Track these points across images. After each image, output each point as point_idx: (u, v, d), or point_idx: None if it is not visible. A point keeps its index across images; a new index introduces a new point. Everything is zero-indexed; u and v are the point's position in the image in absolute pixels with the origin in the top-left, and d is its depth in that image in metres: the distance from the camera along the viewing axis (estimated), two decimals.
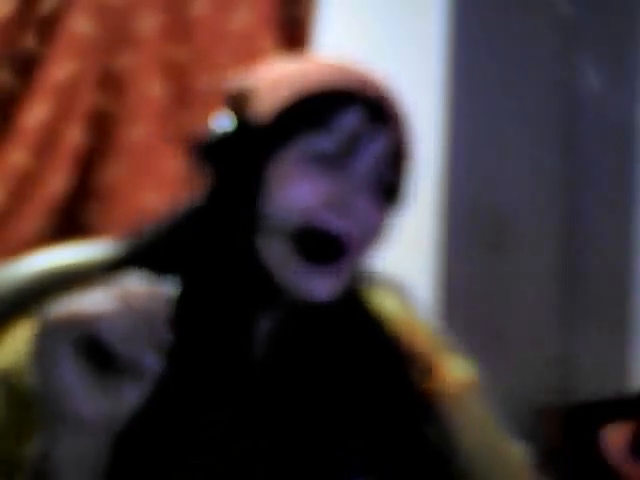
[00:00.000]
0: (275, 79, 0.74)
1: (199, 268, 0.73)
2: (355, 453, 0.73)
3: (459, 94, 1.84)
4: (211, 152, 0.74)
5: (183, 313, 0.63)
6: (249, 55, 1.65)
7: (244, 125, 0.72)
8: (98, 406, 0.57)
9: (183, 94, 1.66)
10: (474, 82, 1.88)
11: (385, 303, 0.85)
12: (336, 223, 0.71)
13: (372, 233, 0.74)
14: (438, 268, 1.81)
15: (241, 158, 0.72)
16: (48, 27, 1.63)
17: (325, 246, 0.71)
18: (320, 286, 0.72)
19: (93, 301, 0.58)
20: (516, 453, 0.85)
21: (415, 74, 1.82)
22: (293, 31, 1.71)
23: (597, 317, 2.09)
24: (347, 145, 0.71)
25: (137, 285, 0.59)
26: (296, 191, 0.70)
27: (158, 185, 1.61)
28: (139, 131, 1.64)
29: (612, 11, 2.15)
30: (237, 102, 0.74)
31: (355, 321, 0.79)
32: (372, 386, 0.76)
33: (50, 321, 0.57)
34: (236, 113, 0.73)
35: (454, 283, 1.82)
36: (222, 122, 0.74)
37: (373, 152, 0.73)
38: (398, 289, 0.90)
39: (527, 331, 1.96)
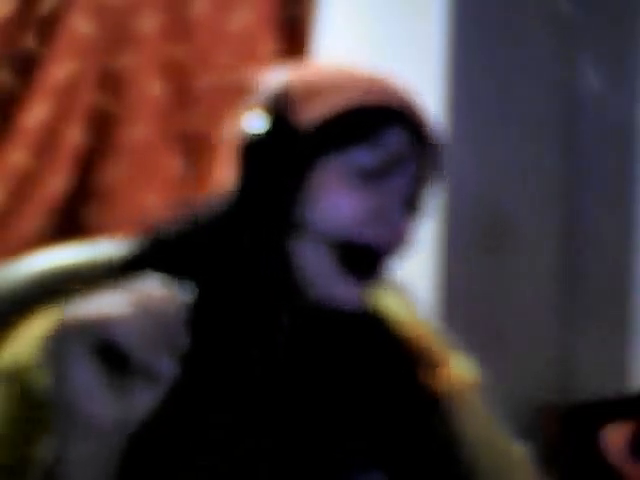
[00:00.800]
0: (322, 84, 0.73)
1: (222, 271, 0.73)
2: (361, 450, 0.73)
3: (459, 94, 1.84)
4: (248, 153, 0.73)
5: (201, 317, 0.62)
6: (249, 55, 1.65)
7: (287, 128, 0.72)
8: (111, 410, 0.57)
9: (183, 94, 1.66)
10: (474, 82, 1.88)
11: (389, 303, 0.85)
12: (374, 238, 0.73)
13: (402, 245, 0.76)
14: (438, 268, 1.81)
15: (282, 162, 0.72)
16: (48, 27, 1.63)
17: (366, 259, 0.73)
18: (353, 295, 0.74)
19: (110, 304, 0.57)
20: (518, 452, 0.85)
21: (415, 74, 1.82)
22: (293, 31, 1.71)
23: (597, 317, 2.09)
24: (390, 163, 0.73)
25: (154, 288, 0.59)
26: (339, 203, 0.72)
27: (158, 185, 1.61)
28: (139, 131, 1.64)
29: (612, 11, 2.15)
30: (277, 103, 0.73)
31: (364, 321, 0.79)
32: (378, 384, 0.77)
33: (66, 323, 0.57)
34: (277, 115, 0.72)
35: (454, 283, 1.82)
36: (261, 123, 0.72)
37: (410, 172, 0.75)
38: (400, 289, 0.90)
39: (527, 331, 1.96)
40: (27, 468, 0.64)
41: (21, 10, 1.62)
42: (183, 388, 0.61)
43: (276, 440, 0.71)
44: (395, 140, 0.73)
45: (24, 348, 0.70)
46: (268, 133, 0.72)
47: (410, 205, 0.76)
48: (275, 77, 0.76)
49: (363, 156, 0.72)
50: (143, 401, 0.58)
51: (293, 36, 1.70)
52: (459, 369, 0.84)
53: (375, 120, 0.72)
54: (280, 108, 0.72)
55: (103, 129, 1.64)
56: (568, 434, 1.89)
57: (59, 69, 1.62)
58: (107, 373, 0.57)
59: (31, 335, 0.71)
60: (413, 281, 0.93)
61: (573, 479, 1.84)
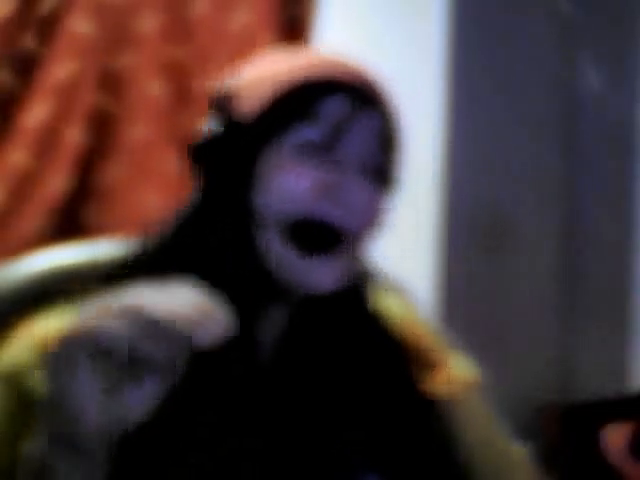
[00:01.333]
0: (258, 76, 0.75)
1: (199, 269, 0.73)
2: (358, 451, 0.73)
3: (459, 94, 1.84)
4: (202, 153, 0.75)
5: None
6: (249, 55, 1.65)
7: (232, 124, 0.73)
8: (109, 423, 0.57)
9: (183, 94, 1.66)
10: (474, 82, 1.88)
11: (387, 303, 0.85)
12: (330, 212, 0.71)
13: (368, 219, 0.73)
14: (438, 268, 1.81)
15: (231, 157, 0.72)
16: (48, 27, 1.63)
17: (320, 236, 0.71)
18: (320, 276, 0.72)
19: (109, 309, 0.58)
20: (517, 452, 0.85)
21: (415, 74, 1.82)
22: (293, 31, 1.71)
23: (597, 317, 2.09)
24: (334, 132, 0.71)
25: (155, 290, 0.59)
26: (287, 183, 0.71)
27: (158, 185, 1.61)
28: (139, 131, 1.64)
29: (612, 11, 2.15)
30: (223, 102, 0.75)
31: (359, 321, 0.79)
32: (375, 384, 0.77)
33: (70, 334, 0.57)
34: (223, 113, 0.74)
35: (454, 283, 1.82)
36: (211, 122, 0.75)
37: (361, 137, 0.73)
38: (400, 289, 0.90)
39: (527, 331, 1.96)
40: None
41: (21, 10, 1.62)
42: (176, 387, 0.62)
43: (276, 439, 0.70)
44: (334, 108, 0.72)
45: (23, 349, 0.70)
46: (216, 132, 0.74)
47: (376, 178, 0.74)
48: (225, 78, 0.78)
49: (307, 132, 0.71)
50: (141, 402, 0.58)
51: (293, 36, 1.70)
52: (459, 369, 0.84)
53: (311, 95, 0.72)
54: (225, 106, 0.74)
55: (103, 129, 1.64)
56: (568, 434, 1.89)
57: (59, 69, 1.62)
58: (107, 380, 0.57)
59: (30, 336, 0.71)
60: (413, 281, 0.93)
61: (573, 479, 1.84)
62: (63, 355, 0.57)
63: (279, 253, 0.71)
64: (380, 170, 0.75)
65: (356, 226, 0.73)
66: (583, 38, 2.08)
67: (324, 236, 0.71)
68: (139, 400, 0.58)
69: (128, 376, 0.57)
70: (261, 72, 0.75)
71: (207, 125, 0.75)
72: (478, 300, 1.87)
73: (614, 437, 1.81)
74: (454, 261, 1.83)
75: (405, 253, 1.72)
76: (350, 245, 0.73)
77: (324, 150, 0.72)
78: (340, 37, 1.75)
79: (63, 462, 0.59)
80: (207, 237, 0.73)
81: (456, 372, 0.84)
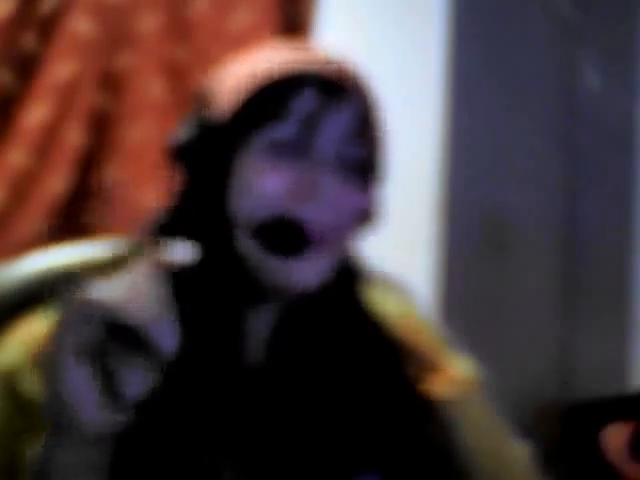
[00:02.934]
0: (229, 76, 0.75)
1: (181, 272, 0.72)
2: (356, 452, 0.73)
3: (459, 94, 1.84)
4: (179, 155, 0.75)
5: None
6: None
7: (205, 125, 0.73)
8: (104, 416, 0.58)
9: (183, 94, 1.66)
10: (474, 82, 1.88)
11: (386, 303, 0.85)
12: (302, 211, 0.69)
13: (347, 214, 0.72)
14: (438, 268, 1.81)
15: (206, 158, 0.72)
16: (48, 27, 1.63)
17: (292, 236, 0.69)
18: (297, 276, 0.70)
19: (113, 286, 0.59)
20: (518, 453, 0.85)
21: (415, 74, 1.82)
22: (293, 31, 1.71)
23: (597, 317, 2.09)
24: (305, 128, 0.70)
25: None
26: (259, 184, 0.70)
27: (158, 185, 1.61)
28: (139, 131, 1.64)
29: (612, 11, 2.15)
30: (199, 103, 0.75)
31: (349, 319, 0.78)
32: (372, 386, 0.76)
33: (69, 312, 0.58)
34: (199, 114, 0.74)
35: (454, 283, 1.82)
36: (186, 125, 0.75)
37: (335, 131, 0.71)
38: (399, 289, 0.90)
39: (527, 331, 1.96)
40: (17, 469, 0.65)
41: (21, 10, 1.62)
42: (163, 386, 0.62)
43: (269, 441, 0.70)
44: (304, 103, 0.70)
45: (18, 349, 0.70)
46: (192, 133, 0.73)
47: (357, 172, 0.72)
48: (205, 81, 0.78)
49: (278, 130, 0.70)
50: (137, 387, 0.59)
51: (293, 36, 1.70)
52: (459, 369, 0.84)
53: (280, 92, 0.70)
54: (200, 108, 0.74)
55: (103, 129, 1.64)
56: (568, 434, 1.89)
57: (59, 69, 1.62)
58: (101, 370, 0.58)
59: (26, 336, 0.71)
60: (413, 281, 0.93)
61: (573, 479, 1.84)
62: (52, 354, 0.58)
63: (255, 255, 0.70)
64: (360, 163, 0.73)
65: (333, 222, 0.71)
66: (583, 38, 2.08)
67: (296, 236, 0.70)
68: (133, 388, 0.58)
69: (117, 365, 0.58)
70: (232, 72, 0.75)
71: (184, 126, 0.75)
72: (478, 300, 1.87)
73: (614, 437, 1.81)
74: (454, 261, 1.83)
75: (405, 253, 1.72)
76: (330, 242, 0.71)
77: (297, 147, 0.70)
78: (340, 38, 1.75)
79: (63, 456, 0.59)
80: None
81: (456, 372, 0.84)
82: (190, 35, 1.69)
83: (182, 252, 0.62)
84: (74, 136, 1.62)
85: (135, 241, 0.76)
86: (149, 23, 1.67)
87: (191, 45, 1.68)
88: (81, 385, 0.57)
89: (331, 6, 1.77)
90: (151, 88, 1.66)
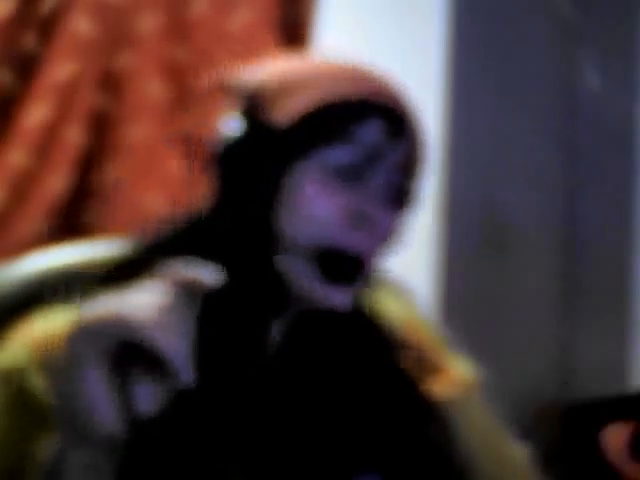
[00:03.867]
0: (293, 81, 0.70)
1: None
2: (357, 453, 0.73)
3: (459, 94, 1.84)
4: (223, 157, 0.70)
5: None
6: (249, 55, 1.65)
7: (260, 129, 0.69)
8: (117, 419, 0.57)
9: (183, 94, 1.66)
10: (474, 82, 1.88)
11: (387, 304, 0.85)
12: (356, 241, 0.69)
13: (385, 241, 0.73)
14: (438, 268, 1.81)
15: (257, 165, 0.68)
16: (48, 27, 1.63)
17: (345, 267, 0.69)
18: (339, 301, 0.71)
19: (131, 301, 0.56)
20: (518, 453, 0.85)
21: (415, 74, 1.82)
22: (293, 31, 1.71)
23: (597, 317, 2.09)
24: (367, 158, 0.69)
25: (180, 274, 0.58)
26: (316, 208, 0.68)
27: (158, 185, 1.61)
28: (139, 131, 1.64)
29: (612, 11, 2.15)
30: (250, 103, 0.70)
31: (356, 322, 0.79)
32: (373, 386, 0.76)
33: (86, 323, 0.56)
34: (250, 115, 0.70)
35: (454, 283, 1.82)
36: (235, 124, 0.70)
37: (391, 165, 0.71)
38: (400, 289, 0.90)
39: (527, 331, 1.96)
40: (24, 470, 0.64)
41: (21, 10, 1.62)
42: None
43: (269, 439, 0.70)
44: (371, 134, 0.69)
45: (21, 349, 0.70)
46: (242, 136, 0.69)
47: (396, 199, 0.72)
48: (250, 76, 0.73)
49: (338, 154, 0.68)
50: (150, 404, 0.58)
51: (293, 36, 1.70)
52: (459, 370, 0.84)
53: (348, 115, 0.69)
54: (254, 108, 0.70)
55: (103, 129, 1.64)
56: (568, 434, 1.89)
57: (59, 69, 1.62)
58: (118, 376, 0.57)
59: (28, 336, 0.71)
60: (413, 281, 0.93)
61: (573, 479, 1.84)
62: (69, 359, 0.57)
63: (301, 277, 0.69)
64: (402, 194, 0.73)
65: (376, 250, 0.72)
66: (583, 38, 2.08)
67: (350, 266, 0.70)
68: (148, 397, 0.57)
69: (135, 374, 0.57)
70: (297, 78, 0.71)
71: (229, 125, 0.71)
72: (478, 300, 1.87)
73: (614, 437, 1.81)
74: (454, 261, 1.83)
75: (405, 253, 1.72)
76: (368, 268, 0.72)
77: (355, 174, 0.69)
78: (340, 38, 1.75)
79: (73, 459, 0.58)
80: (222, 249, 0.70)
81: (456, 373, 0.84)
82: (190, 35, 1.69)
83: (211, 274, 0.58)
84: (74, 136, 1.62)
85: (147, 245, 0.75)
86: (149, 23, 1.67)
87: (191, 45, 1.68)
88: (99, 394, 0.56)
89: (331, 6, 1.77)
90: (151, 88, 1.66)
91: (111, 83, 1.65)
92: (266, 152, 0.68)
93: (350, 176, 0.69)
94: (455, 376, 0.83)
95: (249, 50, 1.66)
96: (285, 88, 0.70)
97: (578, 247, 2.07)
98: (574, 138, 2.07)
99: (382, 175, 0.71)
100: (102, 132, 1.64)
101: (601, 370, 2.06)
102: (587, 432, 1.85)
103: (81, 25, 1.64)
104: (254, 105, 0.70)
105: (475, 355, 0.87)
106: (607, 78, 2.11)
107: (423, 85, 1.82)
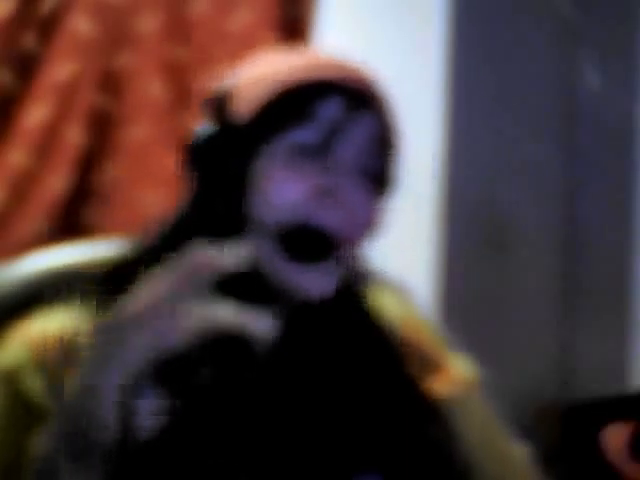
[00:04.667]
0: (253, 77, 0.74)
1: None
2: (357, 453, 0.73)
3: (459, 94, 1.84)
4: (196, 154, 0.73)
5: None
6: (249, 55, 1.65)
7: (226, 125, 0.72)
8: (122, 428, 0.57)
9: (183, 94, 1.66)
10: (474, 82, 1.88)
11: (387, 303, 0.85)
12: (323, 218, 0.69)
13: (363, 223, 0.72)
14: (438, 268, 1.81)
15: (225, 159, 0.71)
16: (48, 27, 1.63)
17: (313, 243, 0.70)
18: (313, 284, 0.71)
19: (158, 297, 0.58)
20: (518, 453, 0.85)
21: (415, 74, 1.82)
22: (293, 31, 1.71)
23: (597, 317, 2.09)
24: (328, 134, 0.70)
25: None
26: (281, 187, 0.69)
27: (158, 185, 1.61)
28: (139, 131, 1.64)
29: (612, 11, 2.15)
30: (218, 103, 0.74)
31: (355, 320, 0.79)
32: (373, 386, 0.76)
33: (113, 324, 0.58)
34: (218, 114, 0.73)
35: (454, 283, 1.82)
36: (205, 124, 0.74)
37: (356, 140, 0.72)
38: (399, 289, 0.90)
39: (527, 331, 1.96)
40: (20, 469, 0.65)
41: (21, 10, 1.62)
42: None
43: (267, 439, 0.70)
44: (330, 110, 0.70)
45: (20, 349, 0.70)
46: (211, 134, 0.72)
47: (372, 181, 0.73)
48: (221, 79, 0.77)
49: (301, 134, 0.70)
50: (152, 420, 0.58)
51: (293, 36, 1.70)
52: (459, 369, 0.84)
53: (306, 97, 0.70)
54: (220, 107, 0.73)
55: (103, 129, 1.64)
56: (568, 434, 1.89)
57: (59, 69, 1.62)
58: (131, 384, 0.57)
59: (28, 336, 0.71)
60: (413, 281, 0.93)
61: (573, 479, 1.84)
62: (89, 367, 0.57)
63: (271, 259, 0.70)
64: (377, 172, 0.73)
65: (351, 230, 0.71)
66: (583, 38, 2.08)
67: (318, 243, 0.70)
68: (153, 411, 0.58)
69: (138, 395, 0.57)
70: (256, 73, 0.74)
71: (201, 126, 0.74)
72: (478, 300, 1.87)
73: (614, 437, 1.81)
74: (454, 260, 1.83)
75: (405, 253, 1.72)
76: (344, 250, 0.72)
77: (319, 153, 0.70)
78: (340, 38, 1.75)
79: (69, 463, 0.58)
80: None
81: (456, 372, 0.84)
82: (190, 35, 1.69)
83: (233, 254, 0.59)
84: (74, 136, 1.62)
85: (142, 243, 0.76)
86: (149, 23, 1.67)
87: (191, 45, 1.69)
88: (111, 386, 0.57)
89: (331, 6, 1.77)
90: (151, 88, 1.66)
91: (111, 83, 1.65)
92: (231, 145, 0.71)
93: (314, 154, 0.70)
94: (455, 375, 0.83)
95: (249, 50, 1.66)
96: (244, 83, 0.73)
97: (578, 247, 2.07)
98: (574, 138, 2.07)
99: (349, 154, 0.71)
100: (102, 132, 1.64)
101: (601, 370, 2.06)
102: (587, 432, 1.85)
103: (81, 25, 1.64)
104: (221, 103, 0.74)
105: (475, 355, 0.87)
106: (607, 78, 2.11)
107: (423, 85, 1.82)
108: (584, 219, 2.08)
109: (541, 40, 2.02)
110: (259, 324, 0.58)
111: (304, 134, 0.70)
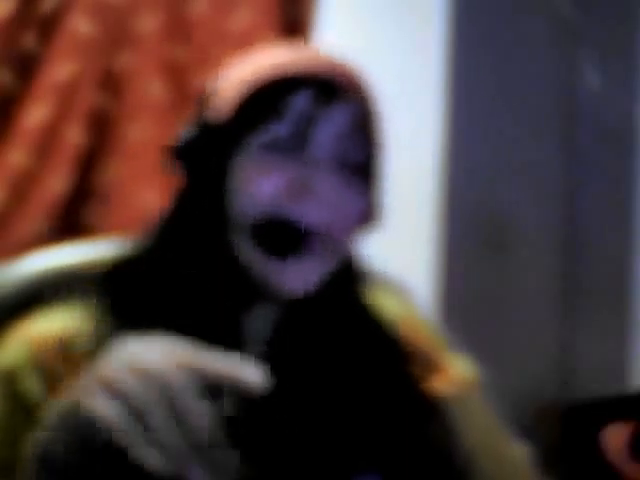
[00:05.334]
0: (229, 78, 0.75)
1: (180, 273, 0.72)
2: (357, 453, 0.73)
3: (459, 94, 1.84)
4: (180, 156, 0.75)
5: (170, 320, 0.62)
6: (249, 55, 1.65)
7: (204, 126, 0.73)
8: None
9: (183, 94, 1.66)
10: (474, 82, 1.88)
11: (386, 303, 0.85)
12: (296, 211, 0.69)
13: (343, 214, 0.72)
14: (438, 268, 1.81)
15: (205, 158, 0.73)
16: (48, 27, 1.63)
17: (287, 237, 0.70)
18: (292, 278, 0.70)
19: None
20: (518, 453, 0.85)
21: (415, 74, 1.82)
22: (293, 31, 1.71)
23: (597, 317, 2.09)
24: (301, 127, 0.71)
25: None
26: (256, 183, 0.70)
27: (158, 185, 1.61)
28: (139, 131, 1.64)
29: (612, 11, 2.15)
30: (201, 105, 0.76)
31: (355, 322, 0.78)
32: (373, 386, 0.76)
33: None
34: (200, 116, 0.75)
35: (454, 283, 1.82)
36: (188, 127, 0.76)
37: (331, 131, 0.71)
38: (399, 289, 0.90)
39: (527, 331, 1.96)
40: (19, 469, 0.64)
41: (21, 10, 1.62)
42: None
43: (263, 439, 0.70)
44: (300, 103, 0.71)
45: (19, 350, 0.70)
46: (192, 134, 0.74)
47: (352, 171, 0.72)
48: (210, 81, 0.78)
49: (274, 130, 0.71)
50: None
51: (293, 36, 1.70)
52: (459, 369, 0.84)
53: (277, 92, 0.71)
54: (201, 110, 0.75)
55: (103, 129, 1.64)
56: (568, 434, 1.89)
57: (59, 69, 1.62)
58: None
59: (27, 336, 0.71)
60: (413, 281, 0.93)
61: (573, 479, 1.84)
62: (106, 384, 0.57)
63: (250, 256, 0.70)
64: (358, 162, 0.73)
65: (329, 222, 0.71)
66: (583, 38, 2.08)
67: (291, 236, 0.70)
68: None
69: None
70: (233, 74, 0.75)
71: (186, 127, 0.76)
72: (478, 300, 1.87)
73: (614, 437, 1.81)
74: (454, 261, 1.83)
75: (405, 253, 1.72)
76: (325, 243, 0.71)
77: (295, 147, 0.71)
78: (340, 38, 1.75)
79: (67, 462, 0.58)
80: (184, 241, 0.73)
81: (456, 372, 0.84)
82: (190, 35, 1.69)
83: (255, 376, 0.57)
84: (74, 136, 1.62)
85: (141, 243, 0.76)
86: (149, 23, 1.67)
87: (191, 45, 1.69)
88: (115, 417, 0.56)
89: (331, 6, 1.77)
90: (151, 88, 1.66)
91: (111, 83, 1.65)
92: (209, 145, 0.73)
93: (290, 148, 0.71)
94: (455, 374, 0.83)
95: (249, 50, 1.66)
96: (222, 85, 0.75)
97: (578, 247, 2.07)
98: (574, 138, 2.07)
99: (324, 143, 0.71)
100: (102, 132, 1.64)
101: (601, 370, 2.06)
102: (587, 432, 1.84)
103: (81, 25, 1.64)
104: (202, 105, 0.76)
105: (475, 355, 0.87)
106: (607, 78, 2.11)
107: (423, 85, 1.82)
108: (584, 219, 2.08)
109: (541, 40, 2.02)
110: (251, 376, 0.57)
111: (277, 129, 0.71)
